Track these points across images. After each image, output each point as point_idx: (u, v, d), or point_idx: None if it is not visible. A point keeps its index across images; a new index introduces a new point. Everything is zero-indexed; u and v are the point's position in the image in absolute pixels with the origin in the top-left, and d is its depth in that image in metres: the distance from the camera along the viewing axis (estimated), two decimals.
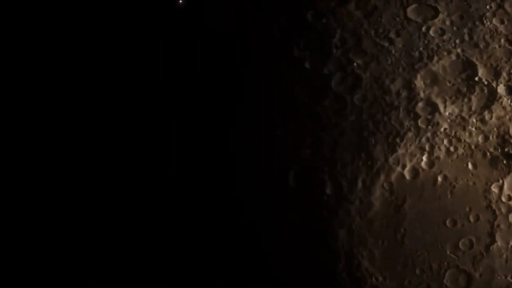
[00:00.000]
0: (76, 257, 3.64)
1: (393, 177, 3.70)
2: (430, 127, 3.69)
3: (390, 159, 3.71)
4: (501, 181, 3.60)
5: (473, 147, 3.62)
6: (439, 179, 3.66)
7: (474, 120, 3.64)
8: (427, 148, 3.69)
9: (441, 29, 3.74)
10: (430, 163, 3.69)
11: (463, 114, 3.66)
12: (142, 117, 3.60)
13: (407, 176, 3.70)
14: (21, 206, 3.69)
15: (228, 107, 3.68)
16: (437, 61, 3.71)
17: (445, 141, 3.67)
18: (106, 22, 3.79)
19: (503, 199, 3.59)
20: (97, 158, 3.73)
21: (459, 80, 3.68)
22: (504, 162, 3.56)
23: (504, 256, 3.60)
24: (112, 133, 3.68)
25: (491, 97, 3.65)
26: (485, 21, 3.69)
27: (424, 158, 3.68)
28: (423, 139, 3.71)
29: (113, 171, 3.70)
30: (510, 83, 3.65)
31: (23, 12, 3.80)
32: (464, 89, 3.66)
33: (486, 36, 3.68)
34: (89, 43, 3.79)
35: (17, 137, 3.71)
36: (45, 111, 3.77)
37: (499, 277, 3.61)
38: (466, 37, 3.68)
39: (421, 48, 3.74)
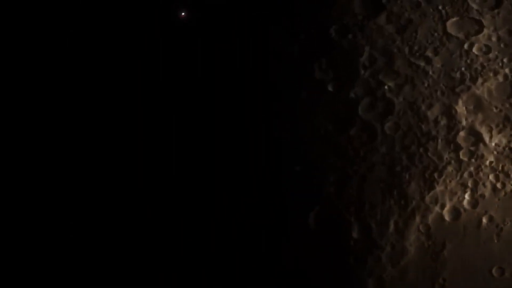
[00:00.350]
0: (76, 257, 3.57)
1: (430, 218, 3.55)
2: (473, 160, 3.54)
3: (427, 198, 3.55)
4: None
5: None
6: (484, 220, 3.53)
7: None
8: (470, 184, 3.54)
9: (486, 46, 3.61)
10: (474, 202, 3.54)
11: None
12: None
13: (447, 218, 3.55)
14: (21, 206, 3.63)
15: (242, 138, 3.62)
16: (482, 84, 3.57)
17: (491, 177, 3.54)
18: (106, 22, 3.70)
19: None
20: (105, 158, 3.68)
21: (507, 105, 3.57)
22: None
23: None
24: (127, 133, 3.66)
25: None
26: None
27: (467, 196, 3.53)
28: (465, 174, 3.55)
29: (114, 171, 3.66)
30: None
31: (23, 12, 3.74)
32: None
33: None
34: (89, 43, 3.70)
35: (17, 137, 3.67)
36: (45, 111, 3.70)
37: None
38: None
39: (463, 69, 3.59)
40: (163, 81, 3.65)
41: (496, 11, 3.62)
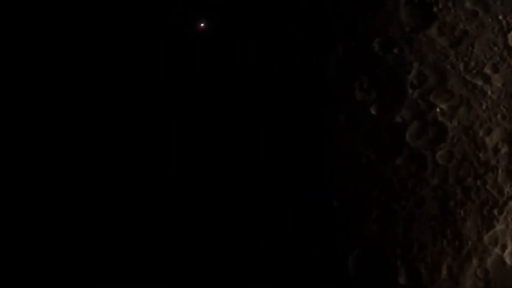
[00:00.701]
0: (76, 257, 3.70)
1: (489, 262, 3.43)
2: None
3: (485, 238, 3.44)
4: None
5: None
6: None
7: None
8: None
9: None
10: None
11: None
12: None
13: (508, 261, 3.43)
14: (21, 206, 3.78)
15: (277, 167, 3.57)
16: None
17: None
18: (106, 22, 3.82)
19: None
20: (105, 158, 3.78)
21: None
22: None
23: None
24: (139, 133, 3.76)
25: None
26: None
27: None
28: None
29: (114, 171, 3.75)
30: None
31: (23, 12, 3.87)
32: None
33: None
34: (89, 43, 3.82)
35: (17, 137, 3.82)
36: (45, 111, 3.82)
37: None
38: None
39: None
40: (165, 81, 3.72)
41: None
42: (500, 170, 3.46)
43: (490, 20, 3.53)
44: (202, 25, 3.66)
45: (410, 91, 3.51)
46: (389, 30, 3.57)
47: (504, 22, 3.53)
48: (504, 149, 3.48)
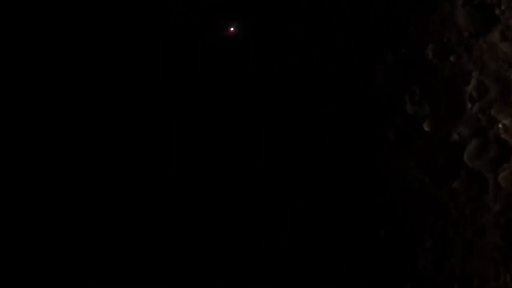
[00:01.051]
0: (76, 257, 3.72)
1: None
2: None
3: None
4: None
5: None
6: None
7: None
8: None
9: None
10: None
11: None
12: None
13: None
14: (21, 206, 3.78)
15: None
16: None
17: None
18: (106, 22, 3.79)
19: None
20: (105, 157, 3.77)
21: None
22: None
23: None
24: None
25: None
26: None
27: None
28: None
29: (114, 171, 3.75)
30: None
31: (23, 12, 3.91)
32: None
33: None
34: (89, 43, 3.78)
35: (17, 137, 3.81)
36: (45, 111, 3.80)
37: None
38: None
39: None
40: (165, 81, 3.68)
41: None
42: None
43: None
44: (232, 29, 3.57)
45: (469, 104, 3.33)
46: (444, 35, 3.38)
47: None
48: None
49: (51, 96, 3.79)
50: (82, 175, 3.75)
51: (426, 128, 3.34)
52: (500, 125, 3.30)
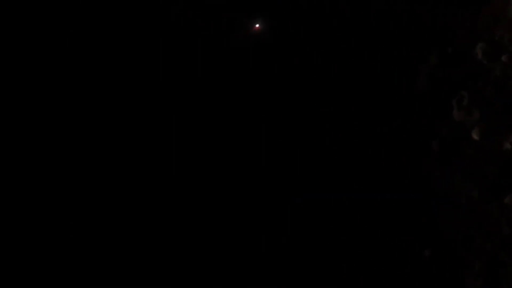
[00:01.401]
0: (76, 257, 3.76)
1: None
2: None
3: None
4: None
5: None
6: None
7: None
8: None
9: None
10: None
11: None
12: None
13: None
14: (21, 206, 3.81)
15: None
16: None
17: None
18: (106, 22, 3.86)
19: None
20: (105, 157, 3.81)
21: None
22: None
23: None
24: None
25: None
26: None
27: None
28: None
29: (114, 171, 3.78)
30: None
31: (23, 12, 3.93)
32: None
33: None
34: (89, 43, 3.85)
35: (17, 137, 3.85)
36: (45, 111, 3.84)
37: None
38: None
39: None
40: (165, 81, 3.72)
41: None
42: None
43: None
44: (257, 26, 3.55)
45: None
46: (495, 32, 3.19)
47: None
48: None
49: (51, 95, 3.85)
50: (82, 175, 3.79)
51: (475, 136, 3.15)
52: None
